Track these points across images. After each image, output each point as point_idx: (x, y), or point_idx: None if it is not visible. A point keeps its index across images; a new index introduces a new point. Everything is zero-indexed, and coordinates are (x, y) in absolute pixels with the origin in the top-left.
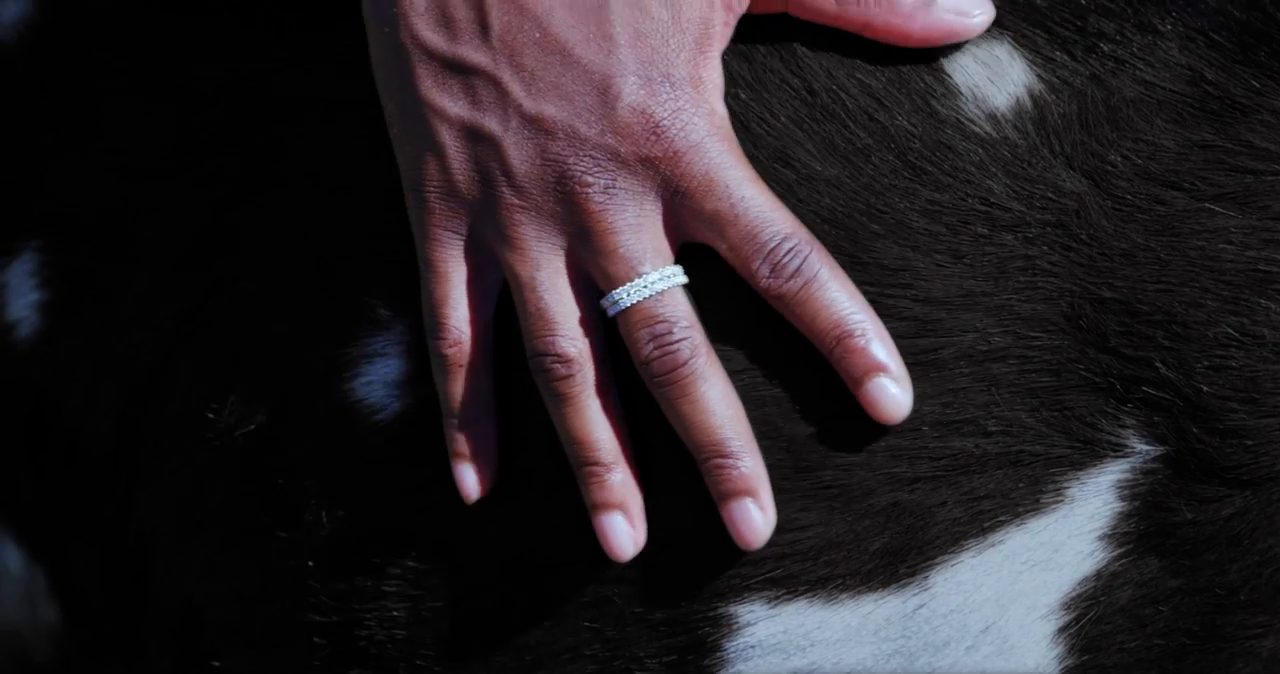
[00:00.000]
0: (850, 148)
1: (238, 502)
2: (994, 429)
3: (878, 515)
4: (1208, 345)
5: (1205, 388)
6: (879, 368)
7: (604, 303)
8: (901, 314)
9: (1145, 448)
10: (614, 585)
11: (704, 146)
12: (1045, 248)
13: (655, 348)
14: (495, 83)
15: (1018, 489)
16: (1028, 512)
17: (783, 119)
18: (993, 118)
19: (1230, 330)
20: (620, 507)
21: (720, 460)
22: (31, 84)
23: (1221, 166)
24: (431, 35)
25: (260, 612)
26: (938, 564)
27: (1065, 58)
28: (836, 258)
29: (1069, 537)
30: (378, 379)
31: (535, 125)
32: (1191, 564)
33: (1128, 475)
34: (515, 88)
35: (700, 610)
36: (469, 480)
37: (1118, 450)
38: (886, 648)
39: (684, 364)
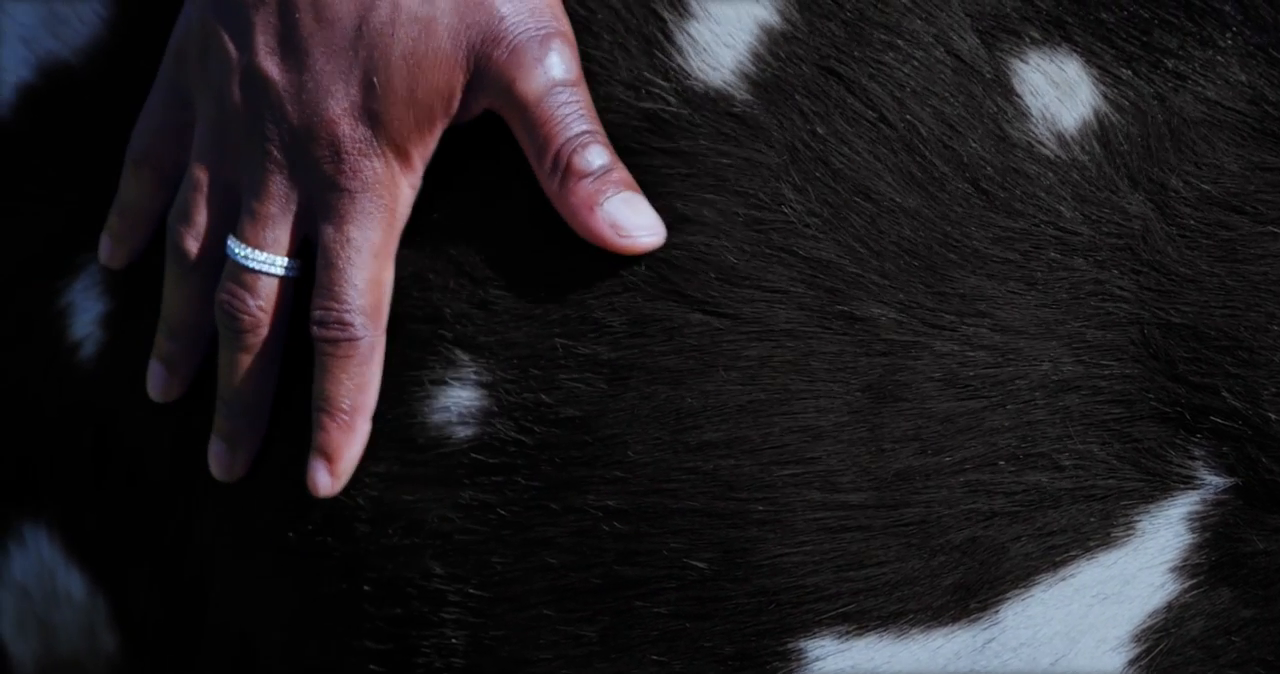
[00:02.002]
0: (926, 177)
1: (289, 524)
2: (1067, 463)
3: (953, 551)
4: (1275, 371)
5: (1273, 416)
6: (329, 455)
7: (227, 242)
8: (981, 343)
9: (1215, 479)
10: (685, 620)
11: (360, 198)
12: (1115, 272)
13: (228, 302)
14: (248, 23)
15: (1089, 523)
16: (1099, 545)
17: (861, 151)
18: (1061, 139)
19: None
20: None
21: (221, 408)
22: (98, 105)
23: None
24: None
25: (313, 639)
26: (1009, 598)
27: (1131, 75)
28: (919, 289)
29: (1140, 569)
30: (451, 404)
31: (259, 76)
32: (1265, 594)
33: (1198, 507)
34: (259, 38)
35: (770, 645)
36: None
37: (1187, 482)
38: None
39: (236, 330)
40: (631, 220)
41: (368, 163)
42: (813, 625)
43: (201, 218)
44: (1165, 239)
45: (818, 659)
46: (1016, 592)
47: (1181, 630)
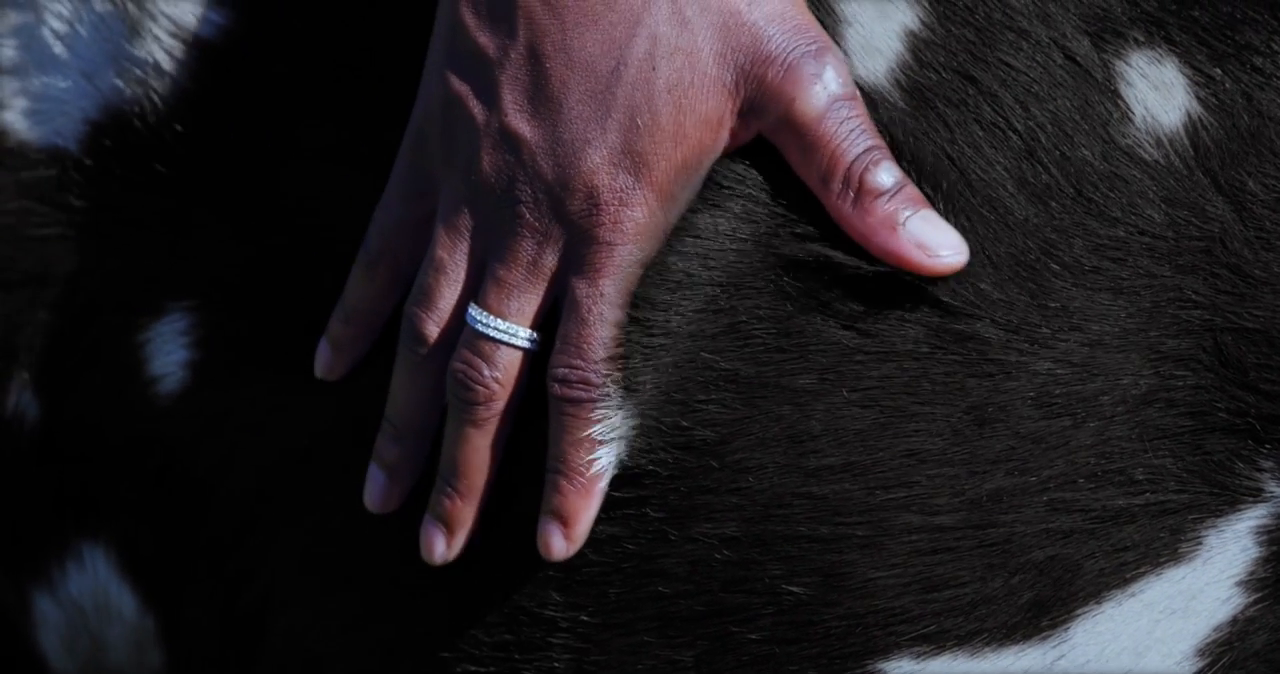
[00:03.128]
0: (1039, 185)
1: (376, 557)
2: (1141, 477)
3: (1033, 570)
4: None
5: None
6: (567, 520)
7: (468, 309)
8: (1071, 359)
9: None
10: (776, 645)
11: (618, 252)
12: (1193, 277)
13: (463, 374)
14: (494, 82)
15: (1160, 539)
16: (1167, 561)
17: (992, 161)
18: (1159, 142)
19: None
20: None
21: (447, 489)
22: (180, 144)
23: None
24: (468, 10)
25: (408, 665)
26: (1079, 616)
27: (1221, 74)
28: (1024, 302)
29: (1206, 584)
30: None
31: (509, 137)
32: None
33: (1265, 520)
34: (506, 95)
35: (852, 667)
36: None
37: (1256, 496)
38: None
39: (470, 402)
40: (936, 239)
41: (628, 212)
42: (893, 647)
43: (444, 300)
44: (1242, 242)
45: None
46: (1087, 609)
47: (1245, 644)
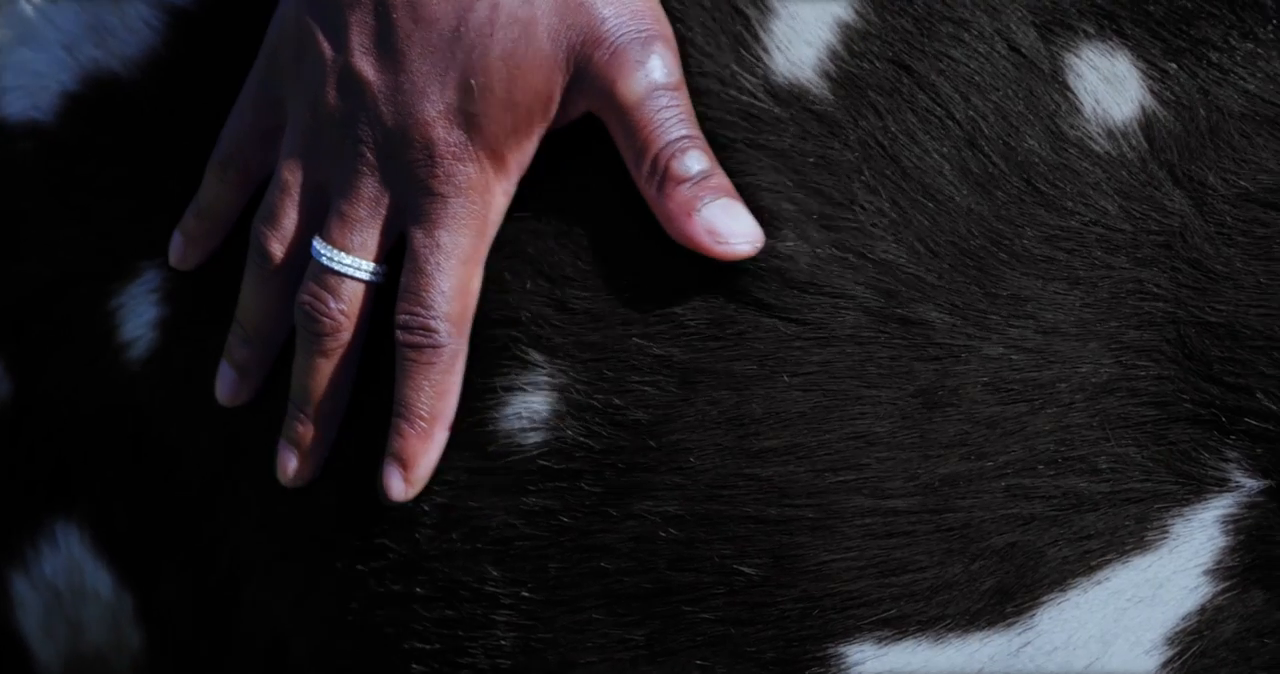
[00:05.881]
0: (983, 174)
1: (344, 527)
2: (1104, 466)
3: (993, 556)
4: None
5: None
6: (406, 462)
7: (313, 243)
8: (1025, 346)
9: (1249, 482)
10: (730, 625)
11: (453, 203)
12: (1154, 270)
13: (309, 303)
14: (344, 23)
15: (1125, 527)
16: (1133, 549)
17: (929, 149)
18: (1110, 135)
19: None
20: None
21: (295, 411)
22: (156, 111)
23: None
24: None
25: (350, 639)
26: (1045, 603)
27: (1175, 69)
28: (971, 290)
29: (1173, 573)
30: (523, 411)
31: (354, 76)
32: None
33: (1231, 510)
34: (354, 37)
35: (811, 651)
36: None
37: (1221, 485)
38: None
39: (316, 333)
40: (729, 227)
41: (462, 167)
42: (854, 631)
43: (288, 220)
44: (1203, 236)
45: (856, 664)
46: (1052, 596)
47: (1214, 633)
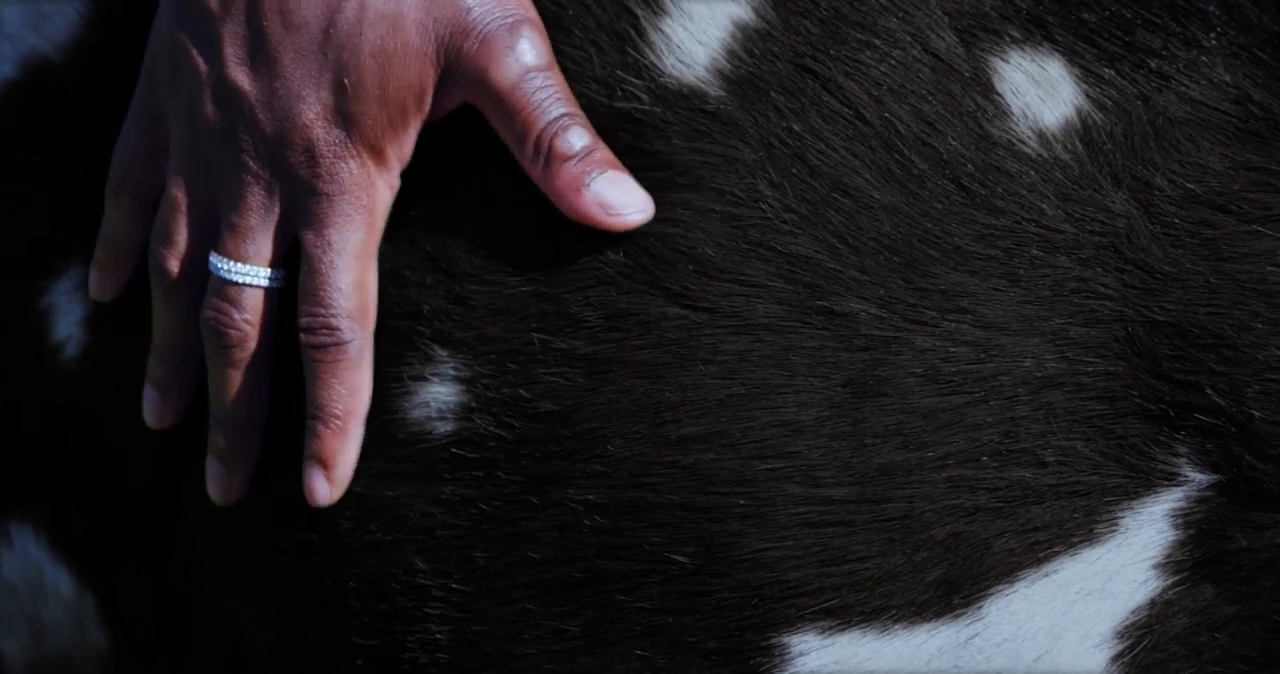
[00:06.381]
0: (905, 174)
1: (276, 523)
2: (1050, 459)
3: (936, 547)
4: (1258, 369)
5: (1257, 413)
6: (325, 462)
7: (210, 257)
8: (963, 339)
9: (1198, 476)
10: (667, 614)
11: (338, 200)
12: (1099, 270)
13: (214, 317)
14: (216, 37)
15: (1072, 519)
16: (1082, 542)
17: (838, 148)
18: (1043, 137)
19: None
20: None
21: (214, 424)
22: (77, 103)
23: (1268, 188)
24: None
25: (302, 637)
26: (992, 594)
27: (1113, 75)
28: (899, 285)
29: (1123, 566)
30: (430, 400)
31: (229, 88)
32: (1248, 591)
33: (1181, 504)
34: (227, 49)
35: (753, 640)
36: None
37: (1171, 479)
38: None
39: (224, 345)
40: (619, 198)
41: (343, 165)
42: (796, 621)
43: (181, 237)
44: (1150, 237)
45: (801, 654)
46: (1000, 588)
47: (1165, 627)
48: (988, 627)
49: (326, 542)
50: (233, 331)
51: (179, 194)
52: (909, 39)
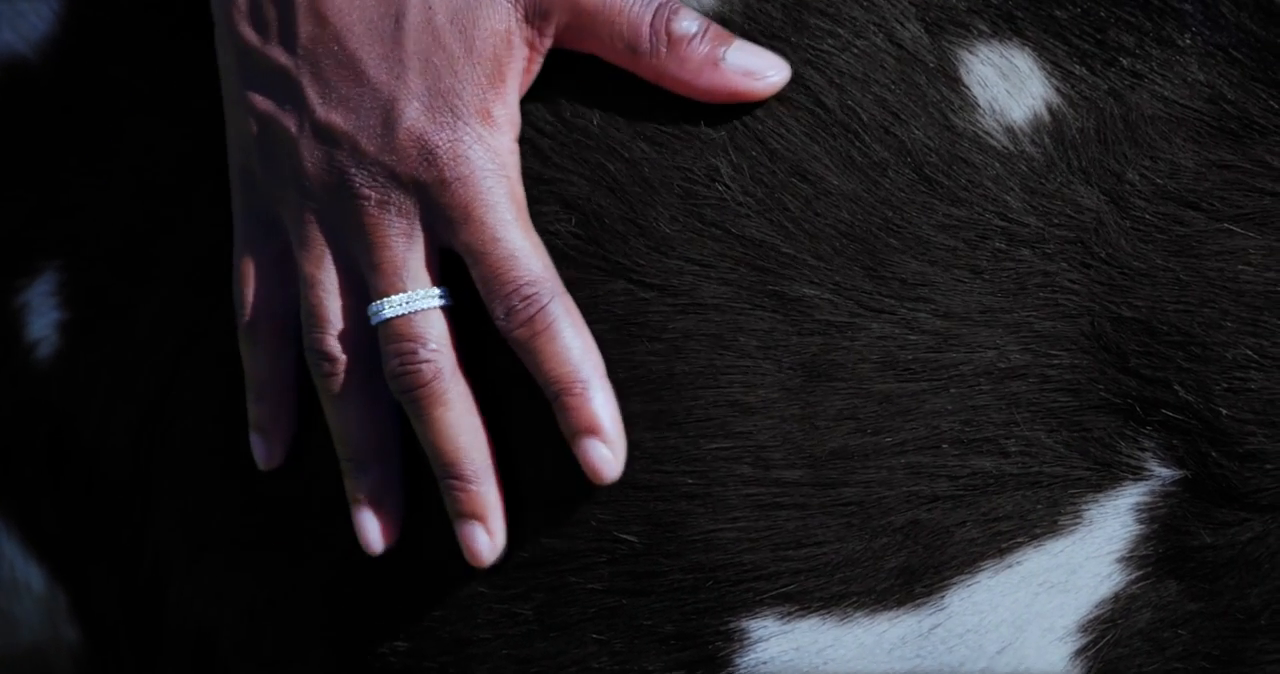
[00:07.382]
0: (867, 162)
1: (242, 519)
2: (1013, 449)
3: (895, 533)
4: (1226, 367)
5: (1224, 410)
6: (591, 429)
7: (369, 311)
8: (922, 328)
9: (1164, 471)
10: (621, 596)
11: (472, 179)
12: (1065, 264)
13: (399, 364)
14: (296, 86)
15: (1036, 510)
16: (1045, 533)
17: (798, 134)
18: (1010, 131)
19: (1249, 352)
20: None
21: (453, 481)
22: (53, 103)
23: (1240, 187)
24: (249, 32)
25: (268, 630)
26: (954, 584)
27: (1085, 71)
28: (855, 272)
29: (1086, 559)
30: None
31: (325, 132)
32: (1211, 588)
33: (1146, 498)
34: (311, 94)
35: (711, 625)
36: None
37: (1136, 473)
38: (900, 668)
39: (423, 385)
40: (758, 62)
41: (462, 143)
42: (754, 605)
43: (333, 313)
44: (1119, 233)
45: (760, 640)
46: (962, 577)
47: (1128, 622)
48: (950, 617)
49: (289, 536)
50: (425, 366)
51: (313, 271)
52: (873, 28)
